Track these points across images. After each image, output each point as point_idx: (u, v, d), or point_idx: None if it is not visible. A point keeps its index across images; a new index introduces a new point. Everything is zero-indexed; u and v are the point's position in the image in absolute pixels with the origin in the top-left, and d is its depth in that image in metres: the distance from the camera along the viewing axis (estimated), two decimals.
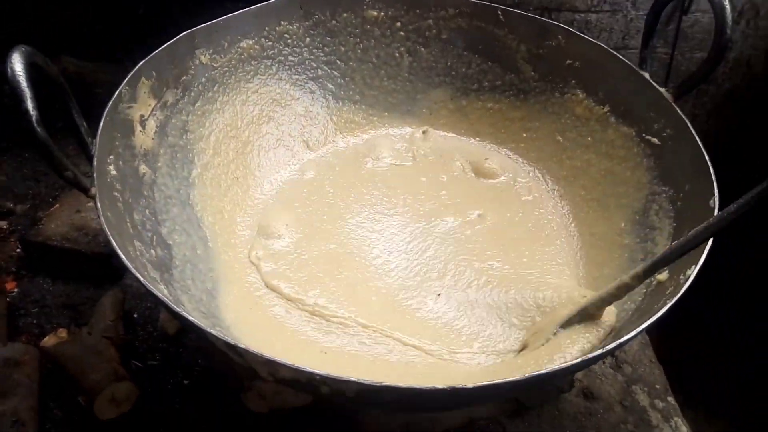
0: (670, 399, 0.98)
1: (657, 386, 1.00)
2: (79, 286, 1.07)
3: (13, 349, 0.88)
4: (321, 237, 1.00)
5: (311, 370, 0.58)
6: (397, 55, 1.23)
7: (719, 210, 0.77)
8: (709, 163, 0.83)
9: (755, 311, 1.68)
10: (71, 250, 1.05)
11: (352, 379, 0.57)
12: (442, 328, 0.88)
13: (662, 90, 0.96)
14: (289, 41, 1.16)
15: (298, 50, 1.18)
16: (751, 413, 1.61)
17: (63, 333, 0.91)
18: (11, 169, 1.30)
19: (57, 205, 1.13)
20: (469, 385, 0.58)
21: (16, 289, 1.06)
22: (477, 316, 0.89)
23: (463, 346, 0.85)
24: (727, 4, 0.89)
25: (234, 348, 0.60)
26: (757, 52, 1.68)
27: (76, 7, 1.52)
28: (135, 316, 1.02)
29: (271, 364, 0.59)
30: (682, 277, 0.73)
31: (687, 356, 1.58)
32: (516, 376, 0.59)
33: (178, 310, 0.63)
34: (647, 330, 1.06)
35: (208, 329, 0.61)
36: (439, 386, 0.57)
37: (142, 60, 0.91)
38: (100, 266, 1.06)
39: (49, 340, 0.90)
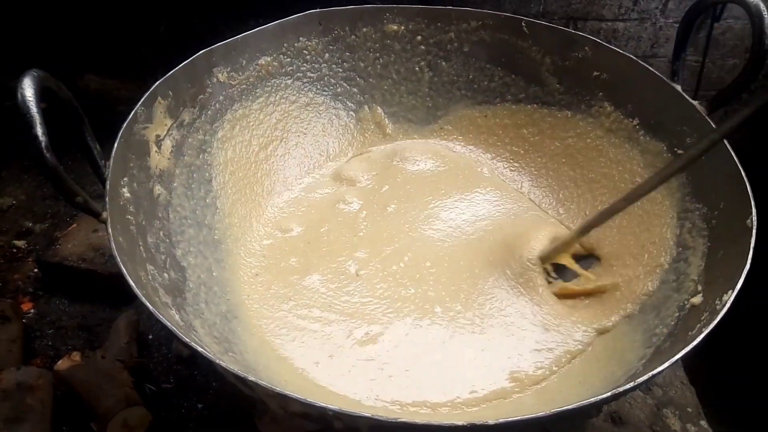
0: (703, 423, 0.93)
1: (689, 409, 0.95)
2: (94, 306, 1.06)
3: (26, 374, 0.87)
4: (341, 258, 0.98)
5: (323, 405, 0.55)
6: (417, 69, 1.21)
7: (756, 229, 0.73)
8: (745, 179, 0.79)
9: None
10: (87, 270, 1.05)
11: (366, 414, 0.55)
12: None
13: (695, 103, 0.92)
14: (308, 57, 1.15)
15: (317, 66, 1.16)
16: None
17: (77, 356, 0.90)
18: (31, 188, 1.30)
19: (74, 225, 1.13)
20: (491, 421, 0.54)
21: (32, 310, 1.05)
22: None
23: None
24: (765, 13, 0.85)
25: (243, 381, 0.58)
26: None
27: (99, 25, 1.54)
28: (150, 337, 1.01)
29: (282, 398, 0.56)
30: (718, 302, 0.68)
31: (718, 377, 1.51)
32: (541, 413, 0.56)
33: (186, 339, 0.61)
34: None
35: (216, 360, 0.59)
36: (458, 423, 0.54)
37: (162, 77, 0.90)
38: (116, 286, 1.05)
39: (62, 364, 0.89)
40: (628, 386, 0.59)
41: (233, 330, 0.85)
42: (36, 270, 1.11)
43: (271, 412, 0.86)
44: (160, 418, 0.88)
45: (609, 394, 0.58)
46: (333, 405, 0.55)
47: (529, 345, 0.85)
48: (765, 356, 1.64)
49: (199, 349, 0.60)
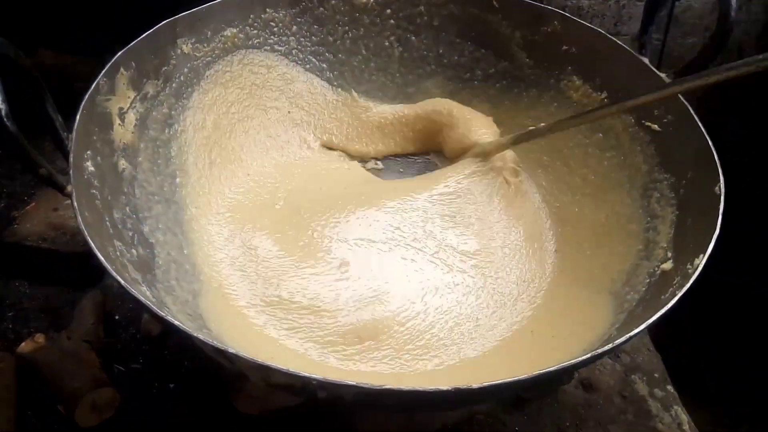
0: (669, 388, 0.96)
1: (656, 375, 0.98)
2: (57, 288, 1.02)
3: None
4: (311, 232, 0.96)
5: (308, 374, 0.54)
6: (387, 44, 1.20)
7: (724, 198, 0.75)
8: (713, 148, 0.81)
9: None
10: (48, 250, 1.01)
11: (351, 383, 0.54)
12: None
13: (663, 75, 0.94)
14: (275, 29, 1.12)
15: (284, 39, 1.14)
16: (747, 399, 1.60)
17: (40, 338, 0.86)
18: None
19: (33, 204, 1.08)
20: (475, 385, 0.55)
21: None
22: None
23: None
24: None
25: (223, 353, 0.56)
26: (749, 37, 1.66)
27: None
28: (116, 318, 0.98)
29: (264, 369, 0.55)
30: (689, 266, 0.70)
31: (682, 342, 1.57)
32: (522, 375, 0.56)
33: (161, 313, 0.59)
34: None
35: (194, 333, 0.57)
36: (443, 387, 0.54)
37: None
38: (79, 267, 1.01)
39: (26, 346, 0.86)
40: (604, 348, 0.60)
41: (207, 306, 0.83)
42: None
43: (247, 390, 0.85)
44: (129, 399, 0.86)
45: (588, 356, 0.59)
46: (317, 374, 0.54)
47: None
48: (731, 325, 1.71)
49: (176, 323, 0.58)
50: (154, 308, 0.59)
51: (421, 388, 0.55)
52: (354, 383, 0.54)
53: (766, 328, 1.61)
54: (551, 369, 0.57)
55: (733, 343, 1.68)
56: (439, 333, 0.84)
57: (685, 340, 1.64)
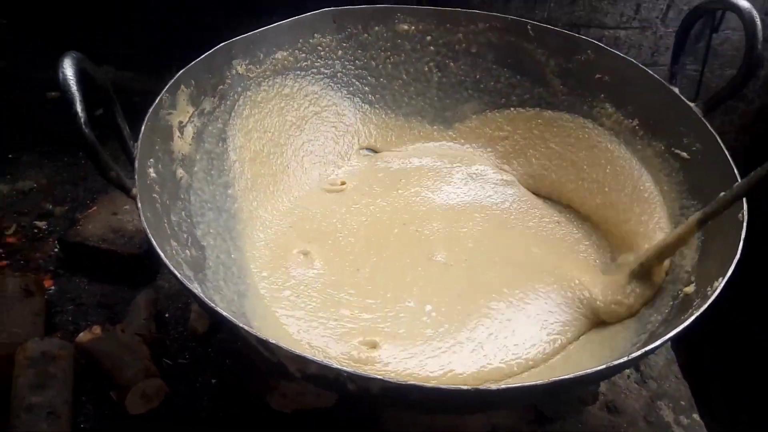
0: (695, 416, 0.97)
1: (682, 402, 0.99)
2: (114, 286, 1.10)
3: (50, 344, 0.91)
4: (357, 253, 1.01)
5: (339, 366, 0.59)
6: (426, 69, 1.25)
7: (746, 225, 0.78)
8: (738, 176, 0.83)
9: None
10: (107, 250, 1.09)
11: (377, 377, 0.59)
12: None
13: (691, 104, 0.97)
14: (322, 53, 1.19)
15: (330, 62, 1.21)
16: None
17: (97, 330, 0.94)
18: (51, 173, 1.35)
19: (94, 208, 1.17)
20: (493, 386, 0.59)
21: (53, 287, 1.09)
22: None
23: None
24: (758, 20, 0.90)
25: (265, 343, 0.62)
26: None
27: (117, 18, 1.59)
28: (167, 316, 1.05)
29: (300, 360, 0.61)
30: (709, 289, 0.73)
31: (713, 372, 1.55)
32: (541, 381, 0.60)
33: (211, 305, 0.65)
34: (674, 346, 1.07)
35: (240, 324, 0.63)
36: (464, 387, 0.58)
37: (178, 71, 0.95)
38: (135, 267, 1.09)
39: (84, 336, 0.93)
40: (620, 361, 0.63)
41: (250, 308, 0.89)
42: (57, 250, 1.16)
43: (281, 388, 0.91)
44: (175, 391, 0.92)
45: (602, 367, 0.62)
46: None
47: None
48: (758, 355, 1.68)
49: (223, 313, 0.64)
50: (206, 300, 0.66)
51: (443, 387, 0.59)
52: (380, 377, 0.59)
53: None
54: (564, 378, 0.60)
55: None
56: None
57: (716, 372, 1.63)
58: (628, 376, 1.02)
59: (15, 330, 0.93)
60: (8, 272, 1.06)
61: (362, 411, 0.91)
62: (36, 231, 1.20)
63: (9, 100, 1.45)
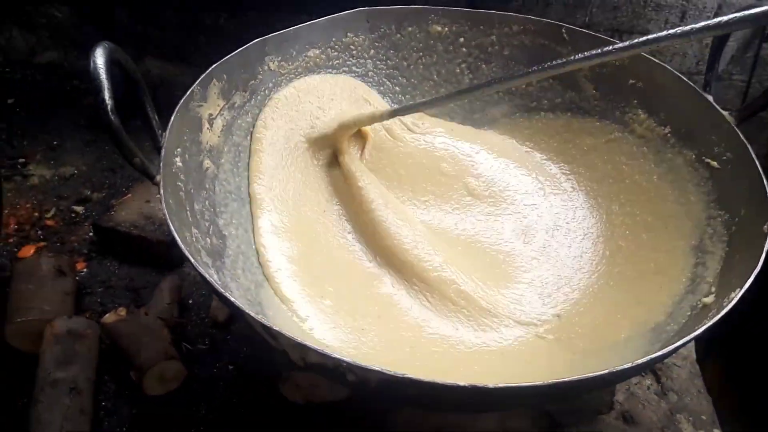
0: (717, 431, 0.94)
1: (703, 417, 0.96)
2: (142, 270, 1.14)
3: (76, 323, 0.95)
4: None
5: (338, 356, 0.60)
6: (458, 71, 1.25)
7: None
8: (766, 187, 0.80)
9: None
10: (137, 236, 1.13)
11: (376, 368, 0.59)
12: None
13: (725, 113, 0.94)
14: (354, 52, 1.20)
15: (362, 61, 1.22)
16: None
17: (122, 312, 0.97)
18: (92, 160, 1.41)
19: (129, 195, 1.21)
20: (490, 385, 0.58)
21: (85, 270, 1.14)
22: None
23: None
24: None
25: (268, 330, 0.63)
26: None
27: (163, 14, 1.64)
28: (190, 302, 1.08)
29: (301, 348, 0.62)
30: (726, 300, 0.71)
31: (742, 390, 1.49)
32: (540, 382, 0.59)
33: (221, 290, 0.67)
34: (699, 360, 1.04)
35: (246, 310, 0.65)
36: (460, 383, 0.58)
37: (213, 64, 0.98)
38: (163, 253, 1.13)
39: (109, 318, 0.97)
40: (622, 367, 0.62)
41: (266, 298, 0.91)
42: (91, 234, 1.21)
43: (294, 378, 0.92)
44: (194, 375, 0.95)
45: (605, 372, 0.61)
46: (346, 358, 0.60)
47: None
48: None
49: (231, 298, 0.66)
50: (216, 285, 0.67)
51: (439, 381, 0.59)
52: (379, 368, 0.59)
53: None
54: (565, 380, 0.59)
55: None
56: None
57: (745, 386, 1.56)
58: (648, 387, 0.99)
59: (46, 308, 0.98)
60: (45, 253, 1.11)
61: (374, 407, 0.91)
62: (73, 215, 1.26)
63: (58, 90, 1.52)
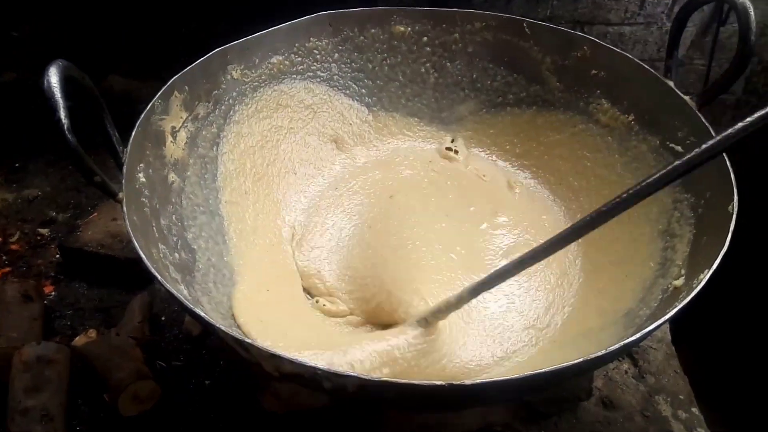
0: (695, 410, 0.95)
1: (681, 396, 0.97)
2: (111, 290, 1.11)
3: (46, 348, 0.92)
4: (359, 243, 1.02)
5: (313, 364, 0.59)
6: (423, 71, 1.25)
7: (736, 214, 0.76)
8: (730, 168, 0.82)
9: None
10: (105, 255, 1.11)
11: (353, 374, 0.59)
12: None
13: (686, 98, 0.95)
14: (318, 57, 1.20)
15: (326, 66, 1.21)
16: None
17: (93, 333, 0.95)
18: (56, 181, 1.38)
19: (95, 214, 1.19)
20: (468, 382, 0.58)
21: (53, 293, 1.11)
22: None
23: None
24: (752, 12, 0.88)
25: (240, 343, 0.62)
26: None
27: (122, 28, 1.62)
28: (162, 319, 1.06)
29: (275, 359, 0.61)
30: (695, 281, 0.71)
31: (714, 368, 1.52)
32: (516, 375, 0.59)
33: (190, 306, 0.65)
34: (674, 341, 1.05)
35: (217, 324, 0.64)
36: (438, 382, 0.58)
37: (173, 76, 0.96)
38: (132, 271, 1.11)
39: (79, 340, 0.95)
40: (597, 354, 0.62)
41: (239, 311, 0.89)
42: (58, 256, 1.18)
43: (273, 389, 0.91)
44: (169, 393, 0.93)
45: (580, 360, 0.61)
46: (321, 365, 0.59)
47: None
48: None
49: (201, 314, 0.65)
50: (185, 301, 0.66)
51: (417, 382, 0.58)
52: (355, 374, 0.58)
53: None
54: (540, 372, 0.59)
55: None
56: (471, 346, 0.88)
57: (717, 364, 1.59)
58: (626, 372, 1.00)
59: (13, 335, 0.95)
60: (10, 278, 1.08)
61: (356, 410, 0.90)
62: (39, 238, 1.23)
63: (18, 111, 1.49)
